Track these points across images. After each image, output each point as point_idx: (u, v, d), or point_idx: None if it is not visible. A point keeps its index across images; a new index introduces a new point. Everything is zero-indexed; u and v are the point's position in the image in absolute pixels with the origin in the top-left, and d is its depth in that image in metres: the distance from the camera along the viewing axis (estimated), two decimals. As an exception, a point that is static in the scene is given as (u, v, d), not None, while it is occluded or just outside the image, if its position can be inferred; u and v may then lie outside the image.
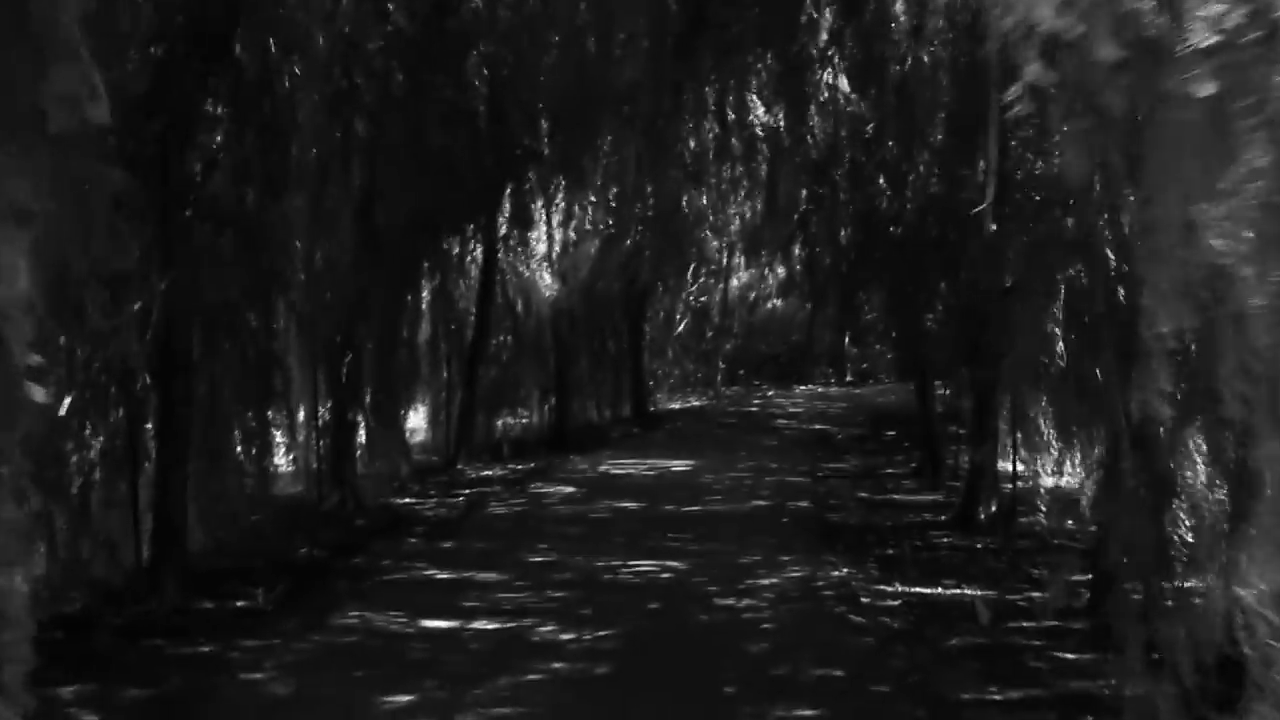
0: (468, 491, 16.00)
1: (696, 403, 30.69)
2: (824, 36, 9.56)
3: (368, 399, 15.44)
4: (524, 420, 23.03)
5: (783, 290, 34.33)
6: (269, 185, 10.33)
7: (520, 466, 18.65)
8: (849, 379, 37.84)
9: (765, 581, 10.13)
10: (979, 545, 12.28)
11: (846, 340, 37.13)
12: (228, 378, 11.00)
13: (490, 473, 17.92)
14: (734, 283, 31.12)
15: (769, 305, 36.50)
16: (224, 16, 9.10)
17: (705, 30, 8.57)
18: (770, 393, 33.34)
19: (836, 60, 10.74)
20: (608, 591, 9.82)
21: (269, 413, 12.73)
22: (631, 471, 18.00)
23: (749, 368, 35.81)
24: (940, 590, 10.07)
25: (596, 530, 12.84)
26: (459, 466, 18.17)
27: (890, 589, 10.02)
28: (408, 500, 15.15)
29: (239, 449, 11.56)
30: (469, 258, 19.04)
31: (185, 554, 9.55)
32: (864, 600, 9.68)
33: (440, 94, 11.82)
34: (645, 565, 10.84)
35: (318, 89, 10.52)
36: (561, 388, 23.24)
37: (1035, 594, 9.96)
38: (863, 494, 16.43)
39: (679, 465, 18.68)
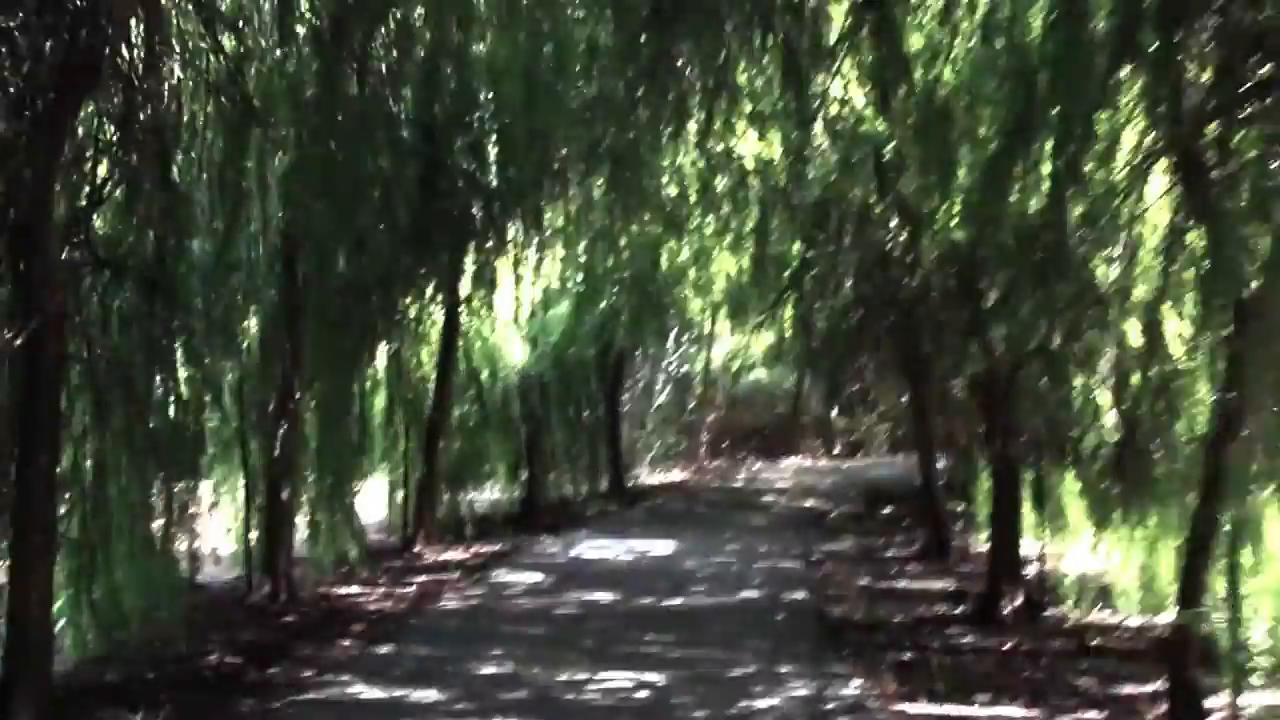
0: (421, 579, 14.19)
1: (678, 477, 28.91)
2: (834, 32, 8.00)
3: (310, 475, 13.76)
4: (492, 496, 21.26)
5: (769, 358, 32.78)
6: (167, 226, 8.66)
7: (484, 549, 16.84)
8: (836, 451, 36.05)
9: (764, 703, 8.30)
10: (1007, 646, 10.55)
11: (835, 411, 35.55)
12: (127, 453, 9.24)
13: (450, 556, 16.10)
14: (717, 349, 29.53)
15: (753, 374, 34.90)
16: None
17: (686, 14, 7.00)
18: (756, 466, 31.59)
19: (846, 65, 9.13)
20: (568, 718, 8.03)
21: (186, 492, 11.14)
22: (607, 555, 16.20)
23: (733, 440, 34.03)
24: (976, 710, 8.33)
25: (562, 631, 11.02)
26: (416, 549, 16.36)
27: (916, 710, 8.26)
28: (352, 590, 13.34)
29: (145, 535, 9.84)
30: (427, 320, 17.35)
31: (47, 671, 7.72)
32: (889, 729, 7.96)
33: (373, 122, 10.15)
34: (617, 679, 9.00)
35: (223, 118, 8.87)
36: (533, 461, 21.49)
37: (1091, 716, 8.25)
38: (865, 581, 14.70)
39: (659, 547, 16.89)
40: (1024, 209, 8.92)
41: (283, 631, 10.96)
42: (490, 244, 16.63)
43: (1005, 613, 11.82)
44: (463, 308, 17.41)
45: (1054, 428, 12.14)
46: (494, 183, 13.84)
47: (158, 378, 9.59)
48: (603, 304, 19.59)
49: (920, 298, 11.98)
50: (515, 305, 18.68)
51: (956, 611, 12.53)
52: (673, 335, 26.40)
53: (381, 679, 8.88)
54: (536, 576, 14.21)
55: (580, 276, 18.96)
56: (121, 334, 8.95)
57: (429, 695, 8.41)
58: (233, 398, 12.72)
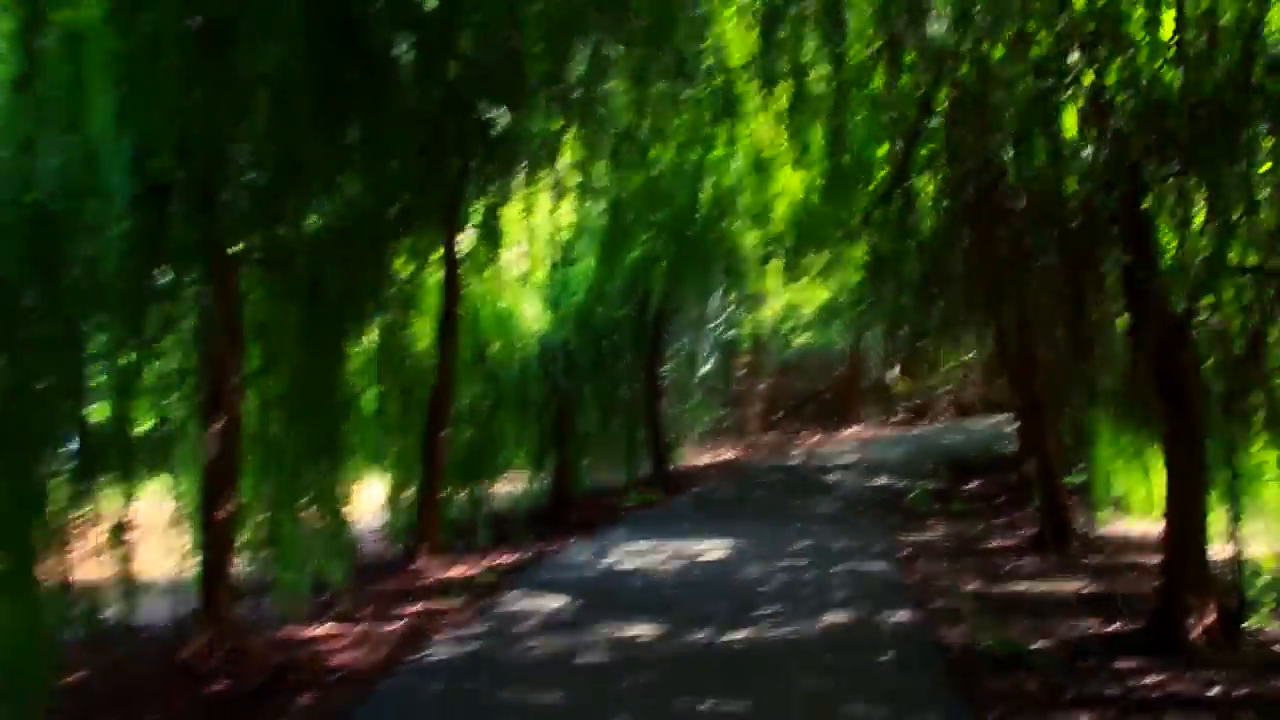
0: (415, 609, 11.21)
1: (727, 455, 25.71)
2: None
3: (271, 482, 10.78)
4: (514, 489, 18.26)
5: (824, 316, 29.46)
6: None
7: (500, 559, 13.85)
8: (896, 418, 32.59)
9: None
10: (1218, 687, 7.43)
11: (897, 371, 32.25)
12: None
13: (457, 572, 13.11)
14: (768, 308, 26.32)
15: (805, 336, 31.56)
16: None
17: None
18: (813, 439, 28.31)
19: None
20: None
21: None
22: (649, 563, 13.09)
23: (785, 411, 30.76)
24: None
25: (582, 695, 7.94)
26: (415, 565, 13.38)
27: None
28: (321, 631, 10.37)
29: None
30: (423, 282, 14.32)
31: None
32: None
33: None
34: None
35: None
36: (560, 446, 18.43)
37: None
38: (974, 584, 11.59)
39: (712, 549, 13.78)
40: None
41: (205, 707, 7.99)
42: (494, 180, 13.71)
43: (1194, 634, 8.65)
44: (465, 265, 14.37)
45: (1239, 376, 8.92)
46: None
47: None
48: (635, 251, 16.35)
49: (1054, 218, 8.69)
50: (530, 259, 15.53)
51: (1115, 629, 9.41)
52: (719, 293, 23.11)
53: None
54: (559, 600, 11.11)
55: (604, 208, 15.68)
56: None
57: None
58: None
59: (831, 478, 21.06)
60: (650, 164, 13.92)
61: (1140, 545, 12.84)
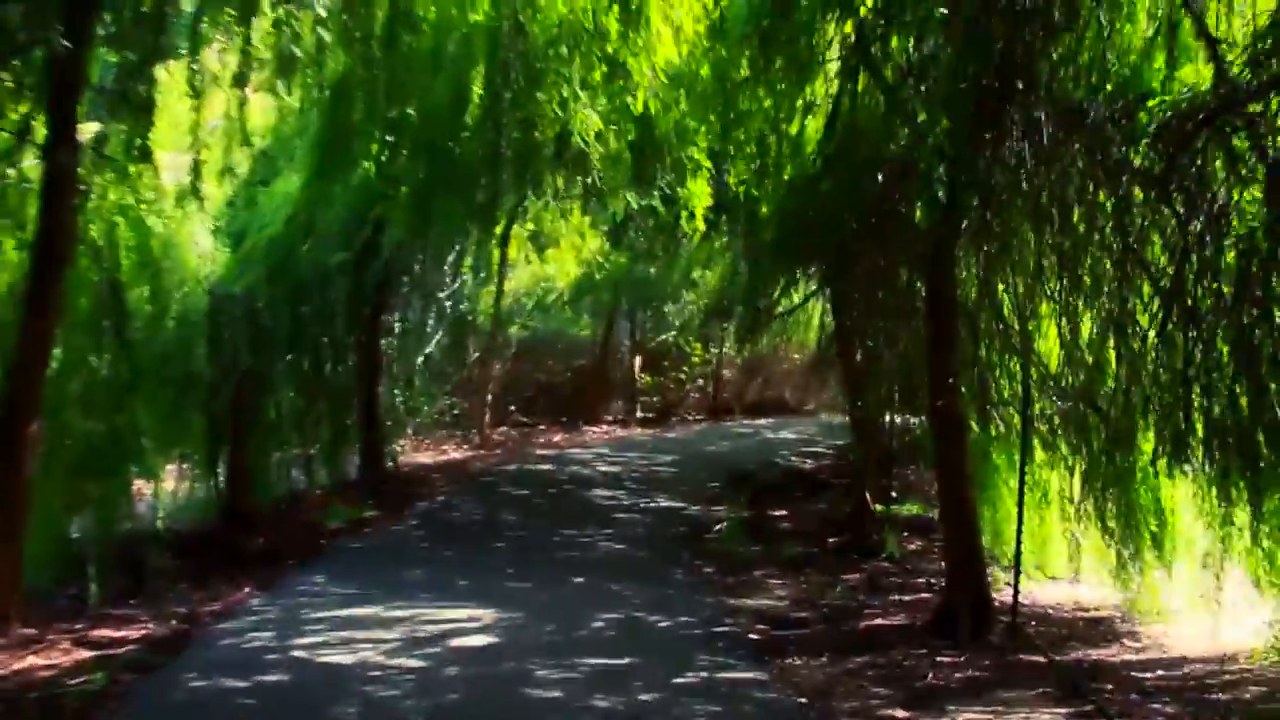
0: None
1: (456, 454, 20.58)
2: None
3: None
4: (178, 493, 12.75)
5: (575, 293, 24.91)
6: None
7: (123, 632, 8.50)
8: (641, 416, 28.24)
9: None
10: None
11: (638, 365, 28.03)
12: None
13: (32, 663, 7.67)
14: (514, 274, 21.49)
15: (545, 317, 26.83)
16: None
17: None
18: (556, 438, 23.52)
19: None
20: None
21: None
22: (368, 659, 7.94)
23: (521, 402, 25.84)
24: None
25: None
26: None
27: None
28: None
29: None
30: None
31: None
32: None
33: None
34: None
35: None
36: (236, 442, 13.00)
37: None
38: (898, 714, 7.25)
39: (467, 627, 8.86)
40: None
41: None
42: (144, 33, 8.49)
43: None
44: (85, 157, 8.83)
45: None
46: None
47: None
48: (362, 167, 10.94)
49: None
50: (200, 166, 9.93)
51: None
52: (456, 252, 18.00)
53: None
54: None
55: (319, 95, 10.29)
56: None
57: None
58: None
59: (599, 495, 16.39)
60: (400, 20, 8.74)
61: (1092, 624, 9.16)
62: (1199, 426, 6.44)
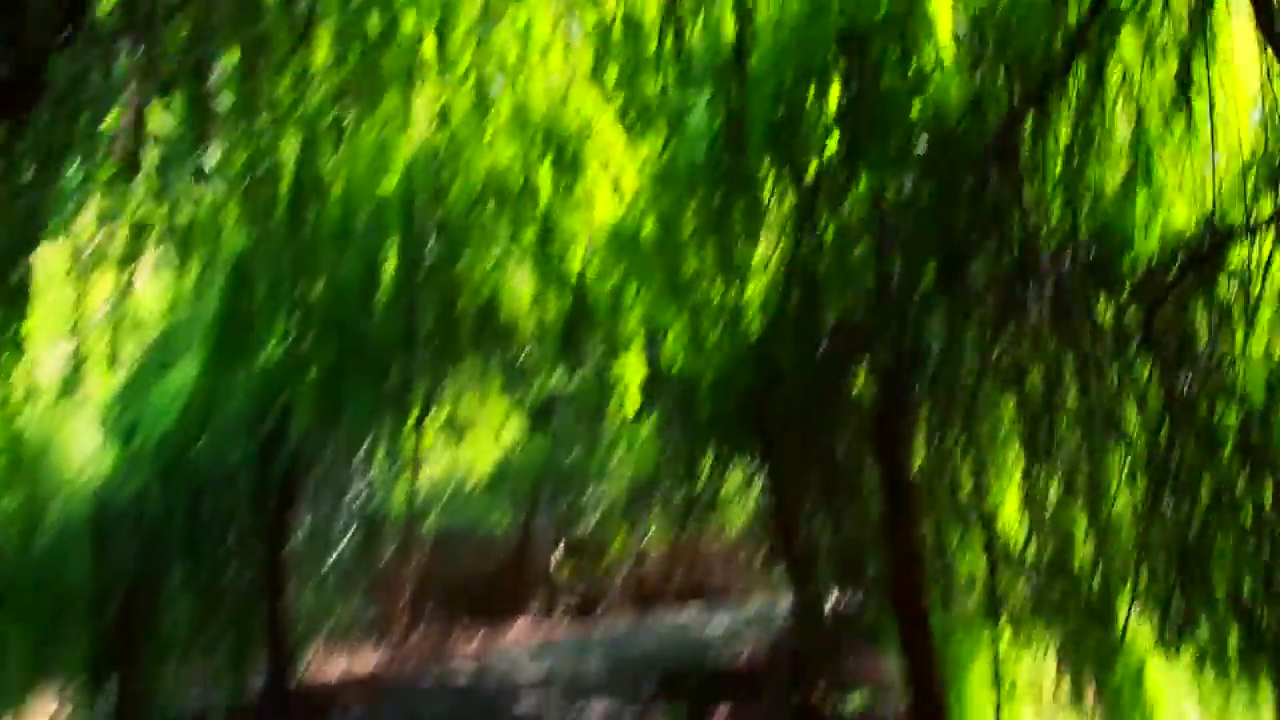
0: None
1: (368, 666, 19.10)
2: None
3: None
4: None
5: (492, 484, 23.98)
6: None
7: None
8: (564, 606, 26.87)
9: None
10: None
11: (558, 555, 26.98)
12: None
13: None
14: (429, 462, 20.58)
15: (460, 511, 25.69)
16: None
17: None
18: (475, 639, 22.07)
19: None
20: None
21: None
22: None
23: (437, 602, 24.41)
24: None
25: None
26: None
27: None
28: None
29: None
30: None
31: None
32: None
33: None
34: None
35: None
36: (125, 661, 11.76)
37: None
38: None
39: None
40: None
41: None
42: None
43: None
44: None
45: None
46: None
47: None
48: (270, 345, 10.05)
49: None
50: (82, 355, 9.05)
51: None
52: (367, 442, 17.05)
53: None
54: None
55: (218, 273, 9.49)
56: None
57: None
58: None
59: (526, 708, 15.11)
60: (306, 189, 8.08)
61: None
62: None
